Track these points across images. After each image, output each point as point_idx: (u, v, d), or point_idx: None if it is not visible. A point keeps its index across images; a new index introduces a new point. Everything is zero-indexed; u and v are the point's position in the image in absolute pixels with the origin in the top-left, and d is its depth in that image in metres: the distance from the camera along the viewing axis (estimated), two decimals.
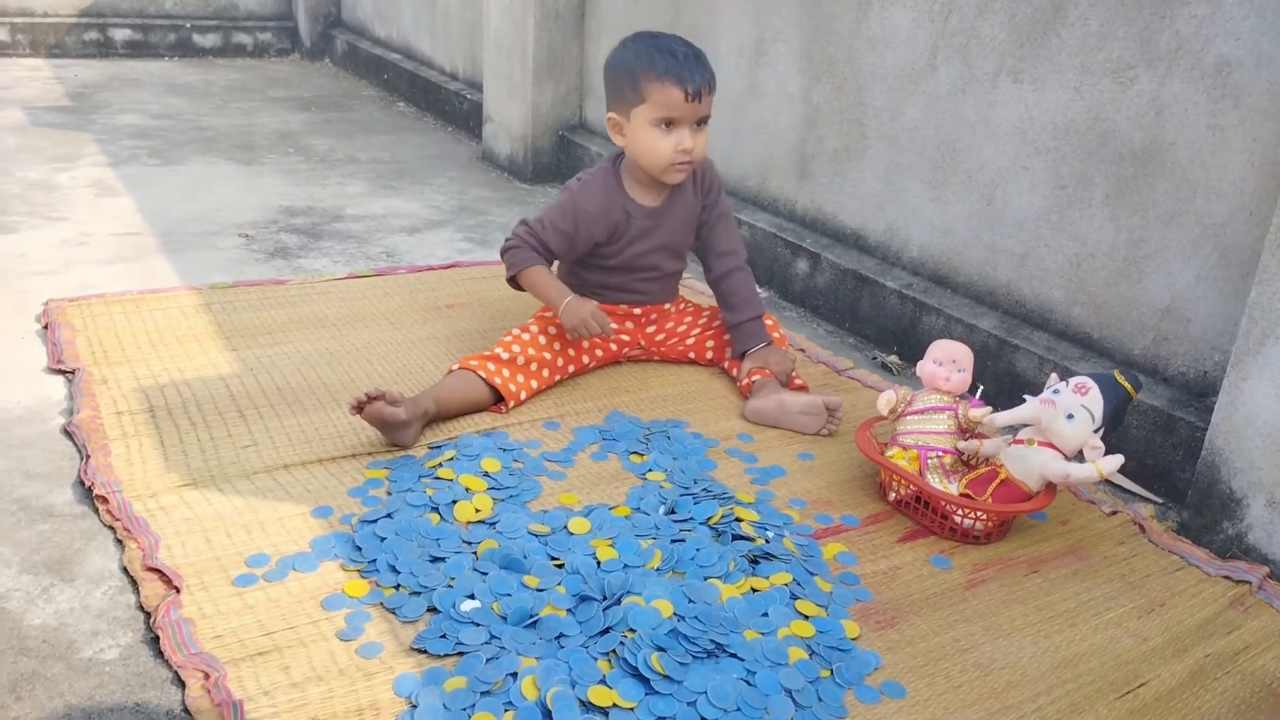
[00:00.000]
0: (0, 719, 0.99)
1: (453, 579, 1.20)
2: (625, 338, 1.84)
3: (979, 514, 1.37)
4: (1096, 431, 1.34)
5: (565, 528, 1.32)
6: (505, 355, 1.66)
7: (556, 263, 1.84)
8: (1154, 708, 1.12)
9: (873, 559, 1.34)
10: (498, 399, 1.64)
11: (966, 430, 1.47)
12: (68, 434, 1.49)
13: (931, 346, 1.52)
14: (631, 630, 1.13)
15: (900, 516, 1.45)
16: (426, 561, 1.23)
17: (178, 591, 1.15)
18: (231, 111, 3.76)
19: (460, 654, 1.09)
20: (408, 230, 2.60)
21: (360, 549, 1.25)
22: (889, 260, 2.14)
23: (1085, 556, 1.40)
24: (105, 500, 1.31)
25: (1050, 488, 1.38)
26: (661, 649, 1.10)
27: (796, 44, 2.28)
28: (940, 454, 1.44)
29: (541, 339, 1.72)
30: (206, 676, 1.03)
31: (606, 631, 1.13)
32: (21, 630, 1.10)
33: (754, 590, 1.23)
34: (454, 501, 1.35)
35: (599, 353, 1.81)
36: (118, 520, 1.28)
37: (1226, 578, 1.37)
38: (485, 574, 1.21)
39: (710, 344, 1.88)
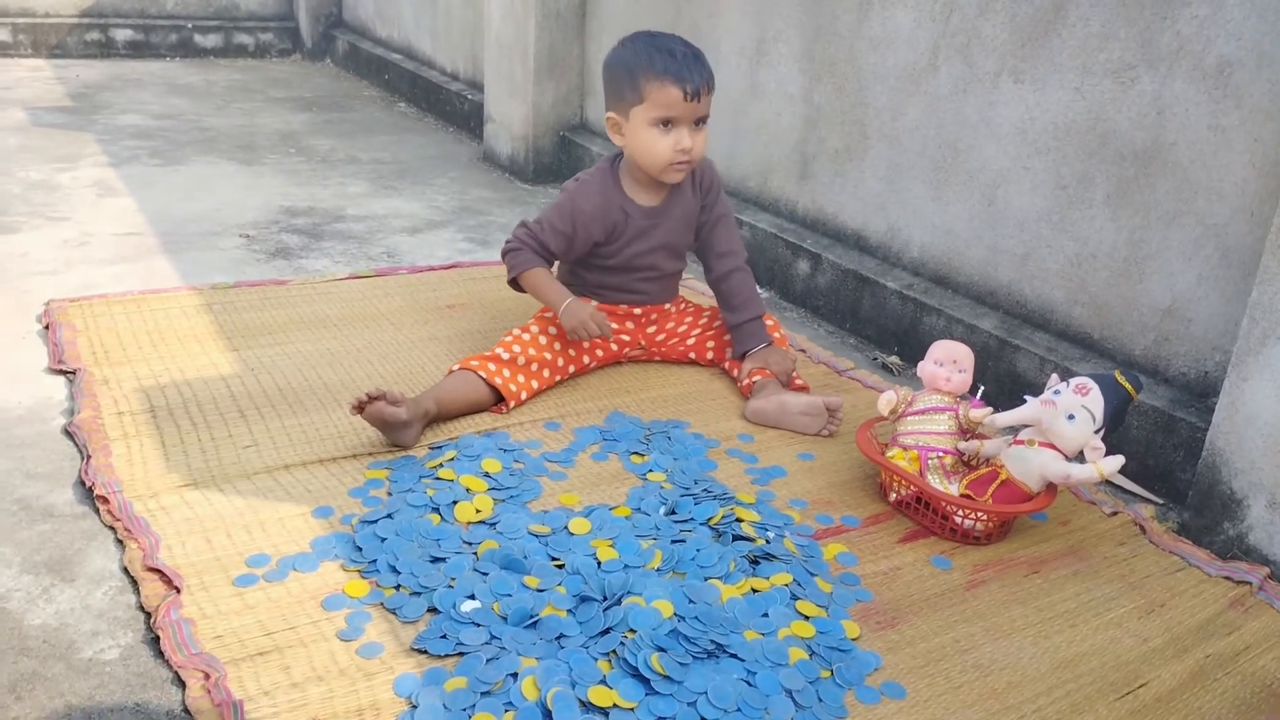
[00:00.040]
0: (0, 719, 0.99)
1: (453, 579, 1.20)
2: (625, 338, 1.84)
3: (979, 515, 1.37)
4: (1097, 432, 1.34)
5: (566, 528, 1.32)
6: (506, 355, 1.66)
7: (557, 263, 1.85)
8: (1154, 708, 1.12)
9: (873, 559, 1.34)
10: (498, 399, 1.64)
11: (967, 431, 1.47)
12: (68, 434, 1.49)
13: (932, 347, 1.52)
14: (632, 630, 1.13)
15: (901, 517, 1.45)
16: (427, 562, 1.23)
17: (178, 592, 1.15)
18: (233, 112, 3.77)
19: (460, 654, 1.09)
20: (409, 230, 2.60)
21: (361, 549, 1.25)
22: (890, 261, 2.14)
23: (1086, 557, 1.39)
24: (106, 500, 1.32)
25: (1051, 488, 1.38)
26: (662, 649, 1.10)
27: (797, 44, 2.27)
28: (941, 454, 1.44)
29: (542, 339, 1.72)
30: (207, 677, 1.03)
31: (607, 632, 1.13)
32: (22, 630, 1.10)
33: (754, 591, 1.23)
34: (454, 502, 1.35)
35: (599, 353, 1.81)
36: (118, 520, 1.28)
37: (1227, 578, 1.37)
38: (486, 574, 1.21)
39: (711, 344, 1.88)
